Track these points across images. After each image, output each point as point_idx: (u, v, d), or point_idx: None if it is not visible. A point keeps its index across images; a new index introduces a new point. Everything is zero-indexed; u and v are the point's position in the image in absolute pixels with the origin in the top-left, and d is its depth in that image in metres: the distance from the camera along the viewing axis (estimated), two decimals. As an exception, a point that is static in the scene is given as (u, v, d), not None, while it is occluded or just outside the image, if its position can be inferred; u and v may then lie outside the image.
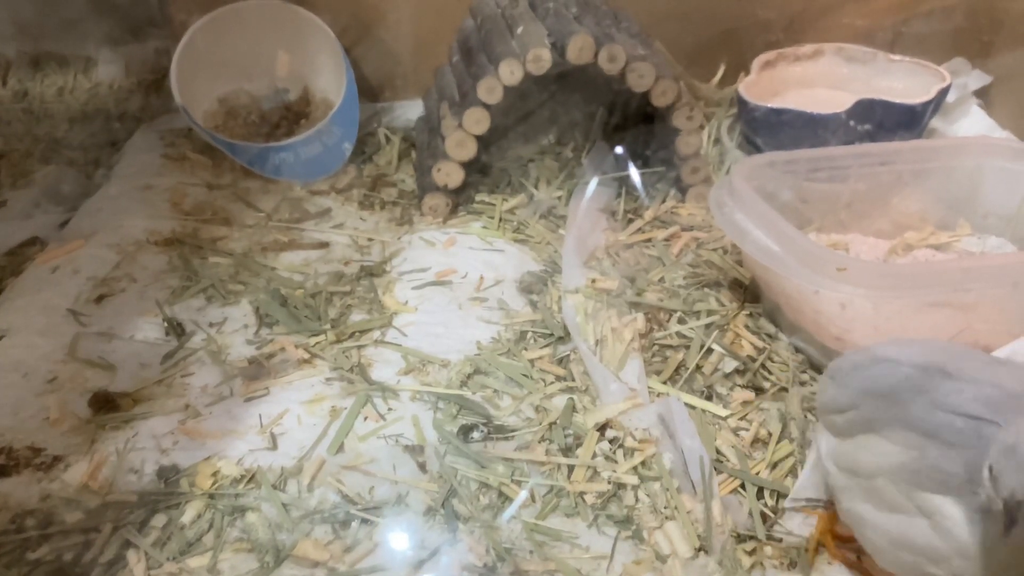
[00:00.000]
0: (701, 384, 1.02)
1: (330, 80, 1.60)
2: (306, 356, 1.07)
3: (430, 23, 1.65)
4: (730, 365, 1.04)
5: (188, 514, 0.85)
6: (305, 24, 1.55)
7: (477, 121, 1.29)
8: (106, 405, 0.99)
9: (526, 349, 1.08)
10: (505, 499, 0.87)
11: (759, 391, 1.02)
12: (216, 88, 1.60)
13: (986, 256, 1.16)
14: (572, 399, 0.99)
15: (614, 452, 0.92)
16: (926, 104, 1.40)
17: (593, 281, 1.19)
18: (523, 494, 0.88)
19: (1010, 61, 1.54)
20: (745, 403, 0.99)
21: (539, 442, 0.94)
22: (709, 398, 1.01)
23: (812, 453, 0.88)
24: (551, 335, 1.10)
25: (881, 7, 1.62)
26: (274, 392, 1.02)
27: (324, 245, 1.32)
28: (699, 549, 0.82)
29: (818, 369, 1.04)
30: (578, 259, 1.22)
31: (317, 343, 1.09)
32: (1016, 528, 0.58)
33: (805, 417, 0.97)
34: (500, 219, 1.35)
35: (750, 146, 1.51)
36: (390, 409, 0.99)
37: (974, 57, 1.58)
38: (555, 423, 0.96)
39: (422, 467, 0.91)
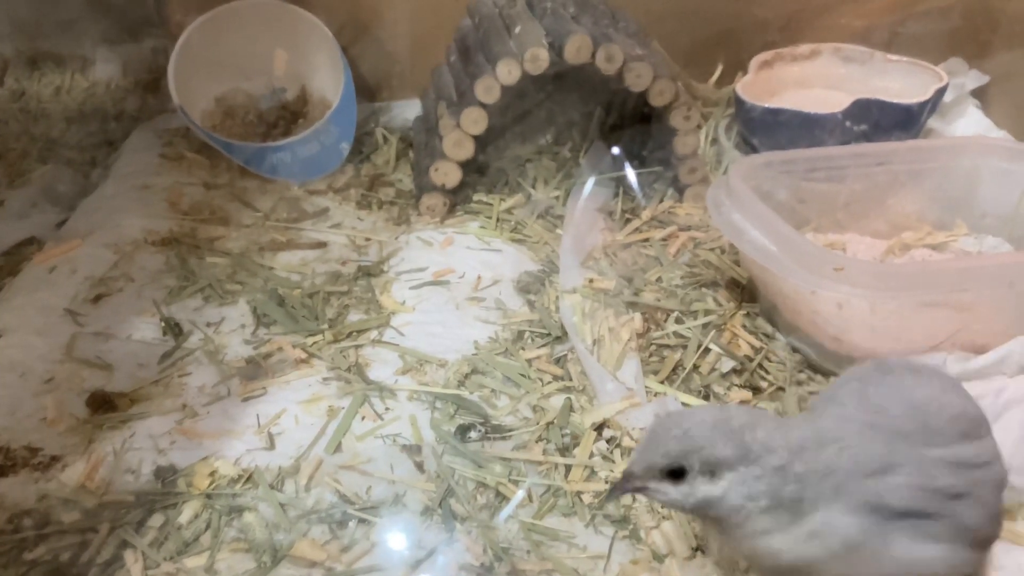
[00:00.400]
0: (698, 384, 1.02)
1: (328, 80, 1.59)
2: (303, 356, 1.07)
3: (428, 23, 1.65)
4: (727, 365, 1.04)
5: (185, 514, 0.85)
6: (303, 23, 1.55)
7: (475, 121, 1.29)
8: (103, 405, 0.99)
9: (523, 349, 1.08)
10: (502, 499, 0.87)
11: (756, 391, 1.02)
12: (213, 88, 1.60)
13: (983, 256, 1.16)
14: (569, 399, 1.00)
15: (611, 452, 0.92)
16: (923, 104, 1.40)
17: (590, 281, 1.19)
18: (520, 494, 0.88)
19: (1007, 61, 1.54)
20: (742, 403, 1.00)
21: (536, 442, 0.94)
22: (706, 398, 1.01)
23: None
24: (548, 335, 1.11)
25: (878, 7, 1.62)
26: (271, 392, 1.02)
27: (321, 245, 1.32)
28: (696, 549, 0.82)
29: (815, 369, 1.04)
30: (575, 259, 1.22)
31: (314, 343, 1.09)
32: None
33: (802, 417, 0.97)
34: (498, 219, 1.35)
35: (747, 146, 1.51)
36: (387, 409, 0.99)
37: (971, 57, 1.58)
38: (552, 423, 0.96)
39: (419, 467, 0.91)
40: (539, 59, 1.24)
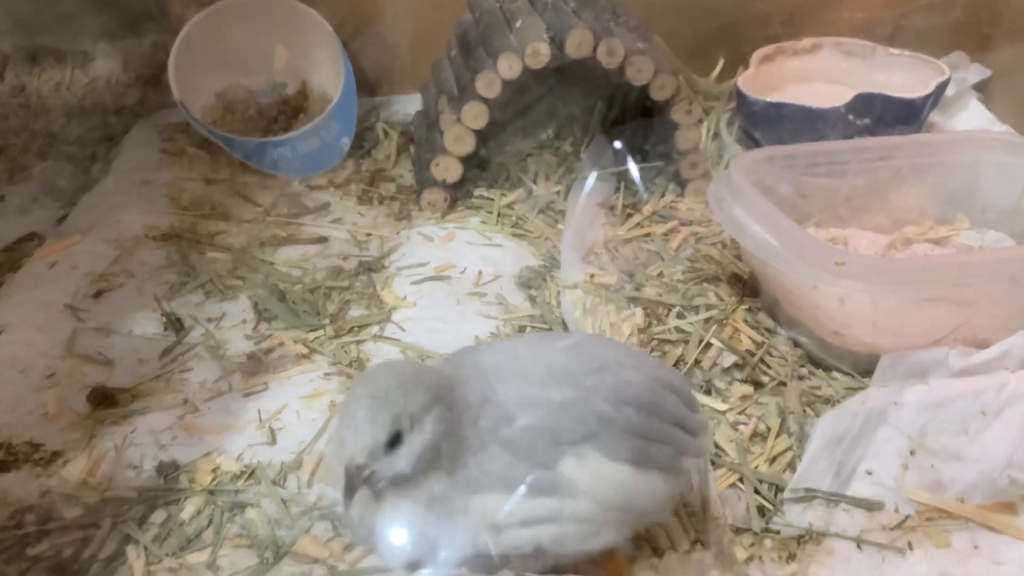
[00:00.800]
0: (700, 378, 1.02)
1: (328, 75, 1.59)
2: (305, 351, 1.07)
3: (428, 17, 1.65)
4: (729, 359, 1.04)
5: (187, 510, 0.85)
6: (303, 18, 1.55)
7: (475, 116, 1.28)
8: (104, 401, 0.99)
9: (525, 344, 1.08)
10: (504, 494, 0.87)
11: (758, 385, 1.02)
12: (214, 83, 1.60)
13: (984, 251, 1.16)
14: (571, 394, 0.99)
15: (613, 447, 0.92)
16: (925, 98, 1.40)
17: (592, 276, 1.19)
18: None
19: (1009, 55, 1.54)
20: (744, 397, 1.00)
21: (538, 437, 0.94)
22: (708, 392, 1.01)
23: (812, 444, 0.89)
24: (550, 330, 1.10)
25: (880, 0, 1.61)
26: (273, 387, 1.02)
27: (322, 240, 1.32)
28: (695, 542, 0.82)
29: (817, 363, 1.04)
30: (577, 254, 1.22)
31: (316, 338, 1.09)
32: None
33: (804, 411, 0.97)
34: (499, 214, 1.35)
35: (749, 140, 1.51)
36: (389, 404, 0.99)
37: (973, 51, 1.58)
38: (554, 418, 0.96)
39: (421, 462, 0.91)
40: (540, 53, 1.24)
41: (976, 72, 1.56)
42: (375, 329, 1.11)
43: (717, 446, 0.93)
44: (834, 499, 0.86)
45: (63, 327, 1.10)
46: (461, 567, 0.66)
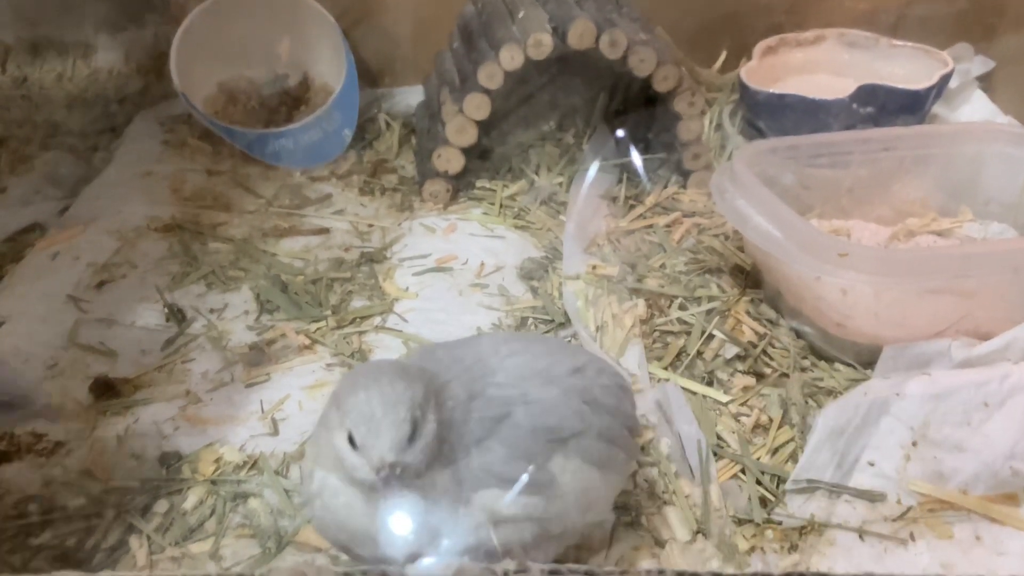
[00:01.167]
0: (702, 370, 1.02)
1: (330, 66, 1.59)
2: (307, 342, 1.07)
3: (430, 8, 1.64)
4: (731, 351, 1.04)
5: (190, 500, 0.86)
6: (305, 9, 1.54)
7: (478, 106, 1.28)
8: (107, 391, 0.99)
9: (527, 335, 1.08)
10: (506, 485, 0.87)
11: (760, 377, 1.02)
12: (216, 74, 1.59)
13: (987, 242, 1.16)
14: (573, 385, 0.99)
15: (615, 438, 0.92)
16: (928, 90, 1.39)
17: (594, 267, 1.18)
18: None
19: (1014, 46, 1.53)
20: (746, 389, 1.00)
21: (540, 428, 0.94)
22: (710, 384, 1.01)
23: (814, 435, 0.89)
24: (552, 321, 1.10)
25: (884, -9, 1.61)
26: (275, 378, 1.02)
27: (324, 231, 1.32)
28: (697, 533, 0.82)
29: (819, 355, 1.04)
30: (579, 245, 1.22)
31: (318, 329, 1.09)
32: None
33: (806, 403, 0.97)
34: (501, 205, 1.35)
35: (752, 130, 1.50)
36: (391, 395, 0.99)
37: (977, 41, 1.57)
38: (556, 409, 0.96)
39: (423, 453, 0.91)
40: (542, 44, 1.24)
41: (980, 63, 1.55)
42: (377, 320, 1.11)
43: (719, 437, 0.93)
44: (836, 490, 0.86)
45: (65, 318, 1.10)
46: (463, 556, 0.66)
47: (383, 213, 1.38)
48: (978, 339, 0.96)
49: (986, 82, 1.56)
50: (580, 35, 1.23)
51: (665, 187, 1.39)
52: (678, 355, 1.04)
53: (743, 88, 1.47)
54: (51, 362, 1.04)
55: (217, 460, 0.90)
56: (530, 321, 1.11)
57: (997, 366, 0.91)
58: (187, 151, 1.51)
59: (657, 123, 1.41)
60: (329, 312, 1.12)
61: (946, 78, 1.42)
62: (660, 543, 0.81)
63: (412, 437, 0.62)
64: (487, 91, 1.27)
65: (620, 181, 1.40)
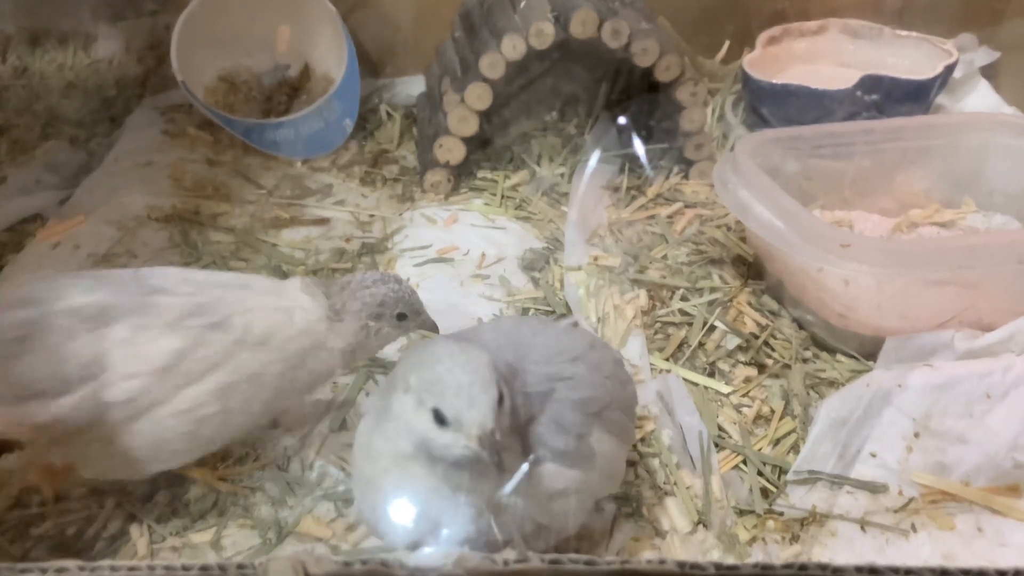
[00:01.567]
0: (704, 361, 1.02)
1: (331, 56, 1.58)
2: (308, 333, 1.07)
3: (432, -2, 1.63)
4: (733, 342, 1.04)
5: (192, 490, 0.86)
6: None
7: (479, 96, 1.28)
8: (108, 381, 0.99)
9: (528, 326, 1.08)
10: (507, 475, 0.87)
11: (761, 368, 1.01)
12: (216, 64, 1.59)
13: (991, 233, 1.15)
14: (574, 376, 0.99)
15: (616, 429, 0.92)
16: (932, 80, 1.39)
17: (595, 258, 1.18)
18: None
19: (1018, 36, 1.52)
20: (747, 380, 0.99)
21: (541, 419, 0.94)
22: (712, 375, 1.00)
23: (816, 426, 0.88)
24: (553, 312, 1.10)
25: (889, -21, 1.60)
26: (276, 368, 1.02)
27: (325, 222, 1.31)
28: (698, 523, 0.82)
29: (821, 346, 1.04)
30: (581, 236, 1.22)
31: (319, 320, 1.09)
32: None
33: (808, 394, 0.97)
34: (502, 196, 1.35)
35: (756, 118, 1.49)
36: (392, 386, 0.99)
37: (981, 31, 1.56)
38: (557, 400, 0.96)
39: (424, 443, 0.91)
40: (544, 34, 1.23)
41: (984, 54, 1.54)
42: (378, 311, 1.11)
43: (721, 428, 0.93)
44: (838, 481, 0.86)
45: (66, 308, 1.10)
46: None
47: (384, 203, 1.37)
48: (981, 330, 0.96)
49: (990, 72, 1.55)
50: (582, 24, 1.23)
51: (667, 177, 1.39)
52: (680, 346, 1.04)
53: (746, 78, 1.46)
54: (52, 352, 1.03)
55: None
56: (531, 312, 1.11)
57: (1000, 357, 0.91)
58: (188, 141, 1.51)
59: (659, 113, 1.41)
60: (330, 302, 1.12)
61: (950, 68, 1.42)
62: (661, 533, 0.81)
63: (501, 402, 0.60)
64: (489, 80, 1.26)
65: (622, 172, 1.39)
